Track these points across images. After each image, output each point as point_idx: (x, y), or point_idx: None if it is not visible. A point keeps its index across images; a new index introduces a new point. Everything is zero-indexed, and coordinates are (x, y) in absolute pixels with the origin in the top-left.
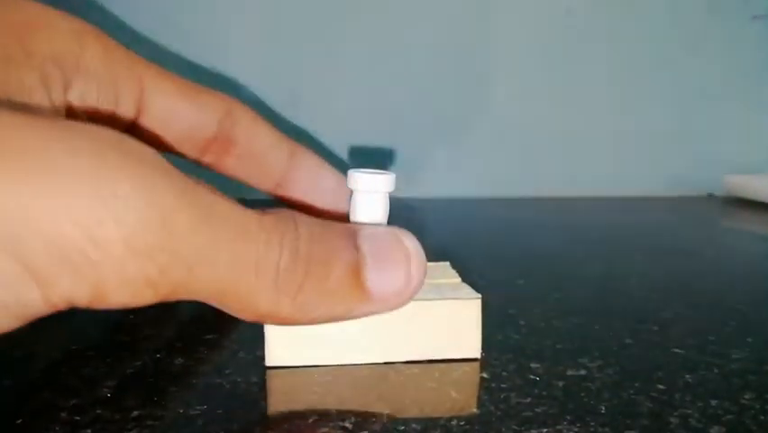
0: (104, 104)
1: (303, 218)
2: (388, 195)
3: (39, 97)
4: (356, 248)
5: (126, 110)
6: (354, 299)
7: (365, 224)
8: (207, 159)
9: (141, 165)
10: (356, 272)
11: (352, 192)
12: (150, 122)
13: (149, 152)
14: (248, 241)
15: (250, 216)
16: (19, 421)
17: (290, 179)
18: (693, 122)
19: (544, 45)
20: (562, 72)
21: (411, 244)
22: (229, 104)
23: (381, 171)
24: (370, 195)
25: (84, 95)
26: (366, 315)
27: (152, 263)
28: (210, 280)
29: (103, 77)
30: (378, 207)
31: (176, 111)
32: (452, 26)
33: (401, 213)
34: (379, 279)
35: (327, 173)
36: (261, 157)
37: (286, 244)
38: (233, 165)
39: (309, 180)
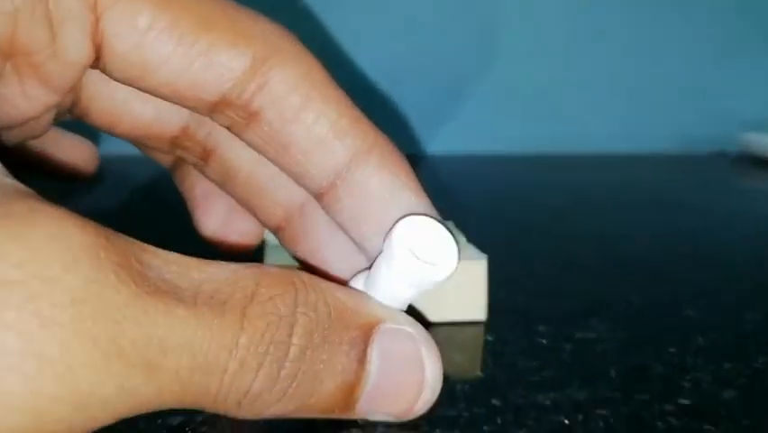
0: (26, 45)
1: (308, 315)
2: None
3: None
4: (362, 360)
5: (76, 54)
6: (337, 411)
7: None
8: (220, 122)
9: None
10: (349, 393)
11: (384, 251)
12: (117, 69)
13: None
14: (210, 379)
15: (220, 336)
16: None
17: (336, 197)
18: (708, 78)
19: None
20: (574, 26)
21: (431, 369)
22: (264, 50)
23: (443, 238)
24: (407, 288)
25: None
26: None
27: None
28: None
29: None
30: (411, 298)
31: (157, 58)
32: None
33: None
34: (375, 406)
35: (396, 209)
36: (300, 153)
37: (265, 366)
38: (257, 144)
39: (361, 210)
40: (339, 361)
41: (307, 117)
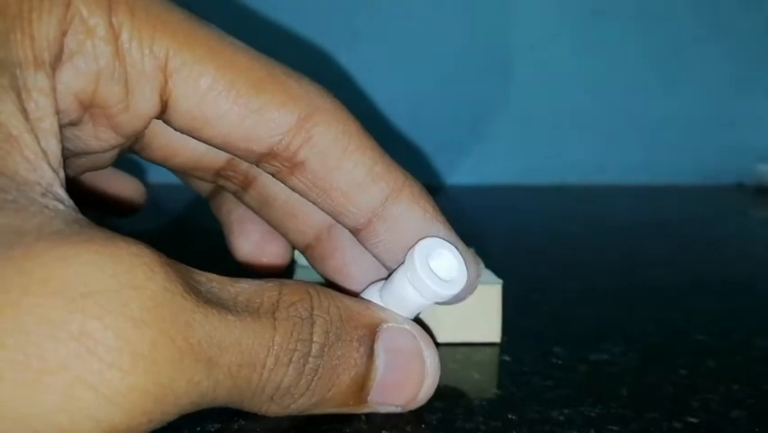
0: (107, 100)
1: (323, 317)
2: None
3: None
4: (371, 354)
5: (145, 108)
6: (348, 405)
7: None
8: (267, 170)
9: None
10: (361, 385)
11: (405, 262)
12: (179, 121)
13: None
14: (252, 374)
15: (260, 337)
16: None
17: (373, 231)
18: (726, 110)
19: (571, 29)
20: (590, 58)
21: (430, 361)
22: (309, 108)
23: (456, 262)
24: (420, 296)
25: (73, 81)
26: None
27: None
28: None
29: (103, 59)
30: (420, 308)
31: (215, 115)
32: (477, 9)
33: None
34: (383, 397)
35: (431, 232)
36: (340, 195)
37: (294, 362)
38: (301, 189)
39: (395, 241)
40: (351, 356)
41: (347, 165)
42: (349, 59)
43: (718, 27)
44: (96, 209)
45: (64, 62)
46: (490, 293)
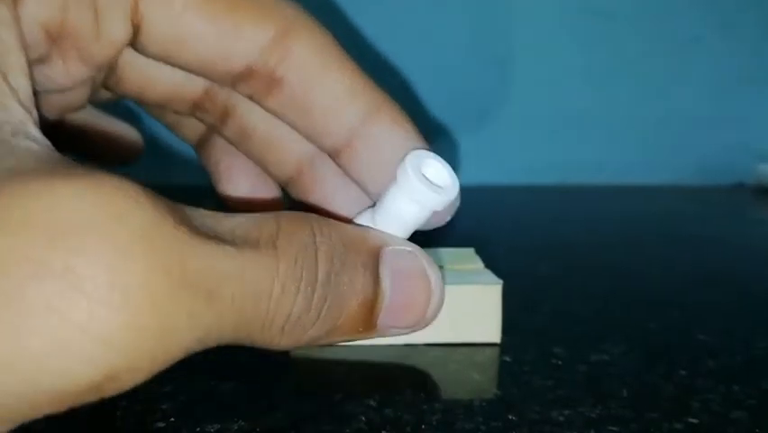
0: (75, 30)
1: (326, 242)
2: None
3: None
4: (376, 278)
5: (116, 34)
6: (359, 332)
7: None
8: (243, 91)
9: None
10: (370, 310)
11: (397, 177)
12: (152, 46)
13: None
14: (259, 305)
15: (263, 268)
16: None
17: (353, 152)
18: (725, 109)
19: (571, 28)
20: (590, 57)
21: (435, 278)
22: (285, 23)
23: (446, 171)
24: (417, 208)
25: (37, 11)
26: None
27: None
28: (209, 345)
29: None
30: (416, 223)
31: (190, 36)
32: (477, 8)
33: None
34: (392, 320)
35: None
36: (319, 113)
37: (302, 290)
38: (277, 109)
39: (376, 162)
40: (358, 281)
41: (326, 81)
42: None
43: (719, 26)
44: (90, 158)
45: None
46: (490, 293)
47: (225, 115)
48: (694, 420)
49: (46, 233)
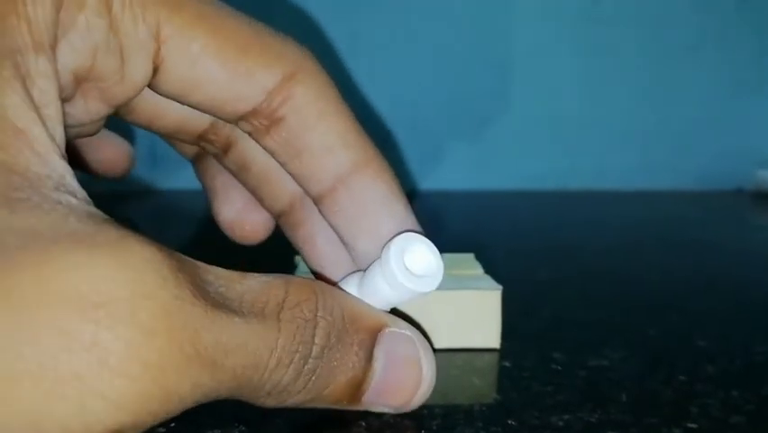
0: (103, 73)
1: (326, 319)
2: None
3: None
4: (369, 359)
5: (139, 76)
6: (342, 403)
7: (381, 308)
8: (245, 129)
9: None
10: (357, 387)
11: (381, 257)
12: (169, 86)
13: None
14: (255, 375)
15: (264, 339)
16: None
17: (335, 199)
18: (725, 115)
19: (570, 35)
20: (589, 64)
21: (427, 368)
22: (291, 68)
23: (433, 257)
24: (396, 292)
25: (69, 59)
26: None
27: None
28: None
29: (98, 32)
30: (399, 301)
31: (205, 78)
32: (474, 15)
33: (428, 206)
34: (378, 399)
35: (384, 217)
36: (310, 156)
37: (294, 363)
38: (272, 148)
39: (355, 214)
40: (350, 359)
41: (321, 127)
42: (348, 64)
43: (718, 34)
44: (83, 170)
45: (59, 40)
46: (490, 299)
47: (227, 147)
48: (693, 425)
49: (80, 306)
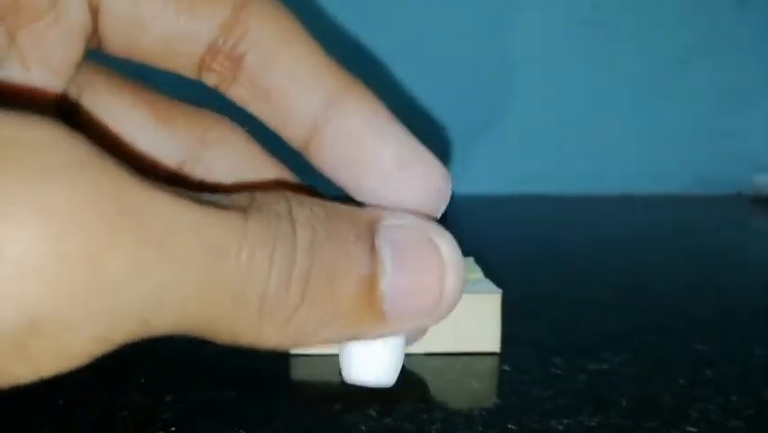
0: (32, 8)
1: (304, 212)
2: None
3: None
4: (372, 250)
5: (76, 16)
6: (365, 321)
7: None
8: (210, 80)
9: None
10: (370, 287)
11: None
12: (114, 33)
13: (80, 152)
14: (223, 265)
15: (228, 224)
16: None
17: (322, 141)
18: (724, 119)
19: (571, 41)
20: (590, 69)
21: (447, 247)
22: (241, 1)
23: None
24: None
25: None
26: (382, 336)
27: (87, 319)
28: (174, 322)
29: None
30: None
31: (148, 15)
32: (476, 21)
33: None
34: (401, 297)
35: (382, 143)
36: (281, 95)
37: (277, 260)
38: (243, 97)
39: (349, 150)
40: (349, 252)
41: (288, 59)
42: (352, 69)
43: (715, 38)
44: None
45: None
46: (490, 303)
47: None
48: (693, 429)
49: None
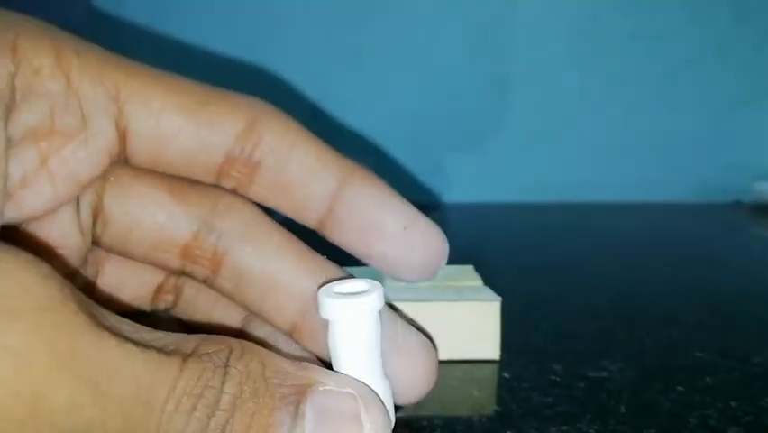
0: (65, 133)
1: (239, 366)
2: (375, 315)
3: None
4: (296, 414)
5: (104, 138)
6: None
7: (336, 370)
8: (228, 184)
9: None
10: None
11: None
12: (140, 149)
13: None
14: (149, 413)
15: (162, 374)
16: None
17: (336, 218)
18: (723, 127)
19: (569, 49)
20: (588, 77)
21: (371, 427)
22: (253, 114)
23: (364, 283)
24: (340, 325)
25: (30, 123)
26: None
27: None
28: None
29: (57, 96)
30: (356, 341)
31: (171, 132)
32: (474, 29)
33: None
34: None
35: (387, 213)
36: (298, 187)
37: (198, 410)
38: (262, 195)
39: (359, 222)
40: (269, 415)
41: (298, 156)
42: (350, 80)
43: (715, 47)
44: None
45: (17, 105)
46: (489, 310)
47: (217, 261)
48: None
49: None
